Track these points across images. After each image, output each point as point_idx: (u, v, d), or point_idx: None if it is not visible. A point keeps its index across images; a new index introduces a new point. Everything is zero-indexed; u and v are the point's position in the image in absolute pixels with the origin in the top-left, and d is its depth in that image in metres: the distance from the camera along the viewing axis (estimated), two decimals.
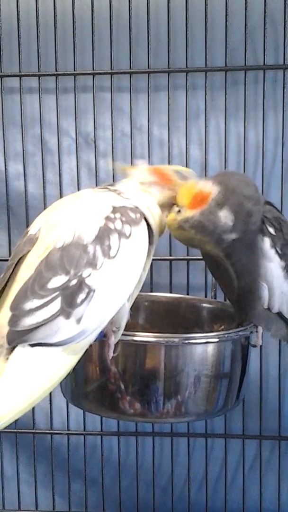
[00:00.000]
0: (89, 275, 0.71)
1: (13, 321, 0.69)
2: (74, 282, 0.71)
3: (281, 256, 0.88)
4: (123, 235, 0.76)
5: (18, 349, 0.68)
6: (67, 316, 0.70)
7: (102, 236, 0.74)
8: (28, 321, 0.69)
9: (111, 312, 0.75)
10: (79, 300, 0.70)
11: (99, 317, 0.73)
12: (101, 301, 0.72)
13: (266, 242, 0.87)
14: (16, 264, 0.76)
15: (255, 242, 0.87)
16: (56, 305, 0.69)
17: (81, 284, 0.71)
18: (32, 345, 0.69)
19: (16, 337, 0.68)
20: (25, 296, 0.70)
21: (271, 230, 0.87)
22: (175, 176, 0.88)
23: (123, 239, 0.75)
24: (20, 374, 0.68)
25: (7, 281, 0.76)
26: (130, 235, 0.76)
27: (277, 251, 0.87)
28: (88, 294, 0.71)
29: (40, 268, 0.71)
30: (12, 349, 0.69)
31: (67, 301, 0.70)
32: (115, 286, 0.74)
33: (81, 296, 0.71)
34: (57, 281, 0.70)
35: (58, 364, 0.70)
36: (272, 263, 0.87)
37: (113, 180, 1.19)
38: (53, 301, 0.69)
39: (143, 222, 0.80)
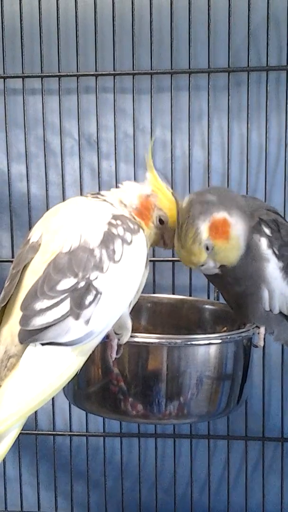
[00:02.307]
0: (96, 278, 0.73)
1: (24, 320, 0.71)
2: (82, 284, 0.72)
3: (279, 257, 0.88)
4: (125, 241, 0.78)
5: (30, 348, 0.70)
6: (77, 317, 0.71)
7: (107, 240, 0.76)
8: (38, 321, 0.70)
9: (116, 314, 0.77)
10: (87, 301, 0.72)
11: (106, 319, 0.75)
12: (107, 303, 0.74)
13: (263, 243, 0.87)
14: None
15: (252, 244, 0.87)
16: (66, 306, 0.71)
17: (89, 286, 0.73)
18: (43, 344, 0.70)
19: (28, 336, 0.70)
20: (35, 296, 0.72)
21: (267, 231, 0.87)
22: (154, 216, 0.86)
23: (125, 245, 0.77)
24: (32, 372, 0.70)
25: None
26: (131, 242, 0.78)
27: (274, 252, 0.87)
28: (95, 296, 0.73)
29: (48, 271, 0.73)
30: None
31: (76, 302, 0.72)
32: (119, 290, 0.76)
33: (89, 298, 0.72)
34: (66, 283, 0.72)
35: (67, 363, 0.72)
36: (269, 264, 0.87)
37: (115, 182, 1.19)
38: (62, 302, 0.71)
39: (141, 232, 0.82)
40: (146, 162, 0.88)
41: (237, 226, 0.85)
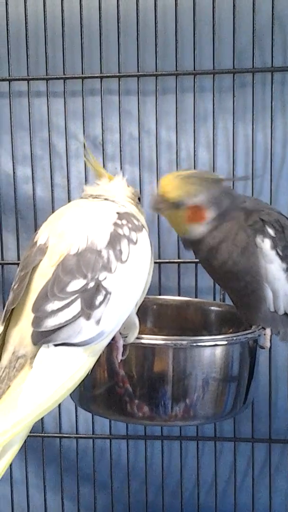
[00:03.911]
0: (105, 278, 0.74)
1: (37, 322, 0.71)
2: (92, 285, 0.73)
3: (282, 258, 0.88)
4: (131, 241, 0.78)
5: (42, 349, 0.70)
6: (88, 317, 0.72)
7: (114, 241, 0.77)
8: (51, 322, 0.71)
9: (125, 313, 0.78)
10: (97, 302, 0.73)
11: (116, 318, 0.75)
12: (117, 303, 0.75)
13: (266, 244, 0.87)
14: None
15: (253, 243, 0.87)
16: (77, 306, 0.72)
17: (98, 286, 0.73)
18: (56, 345, 0.71)
19: (40, 338, 0.70)
20: (46, 298, 0.72)
21: (271, 231, 0.87)
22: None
23: (131, 245, 0.78)
24: (45, 373, 0.70)
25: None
26: (137, 241, 0.79)
27: (277, 253, 0.87)
28: (105, 296, 0.73)
29: (58, 273, 0.73)
30: (35, 356, 0.71)
31: (87, 303, 0.72)
32: (128, 289, 0.77)
33: (99, 298, 0.73)
34: (76, 284, 0.72)
35: (79, 364, 0.72)
36: (272, 265, 0.87)
37: None
38: (73, 303, 0.72)
39: (144, 229, 0.83)
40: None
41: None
